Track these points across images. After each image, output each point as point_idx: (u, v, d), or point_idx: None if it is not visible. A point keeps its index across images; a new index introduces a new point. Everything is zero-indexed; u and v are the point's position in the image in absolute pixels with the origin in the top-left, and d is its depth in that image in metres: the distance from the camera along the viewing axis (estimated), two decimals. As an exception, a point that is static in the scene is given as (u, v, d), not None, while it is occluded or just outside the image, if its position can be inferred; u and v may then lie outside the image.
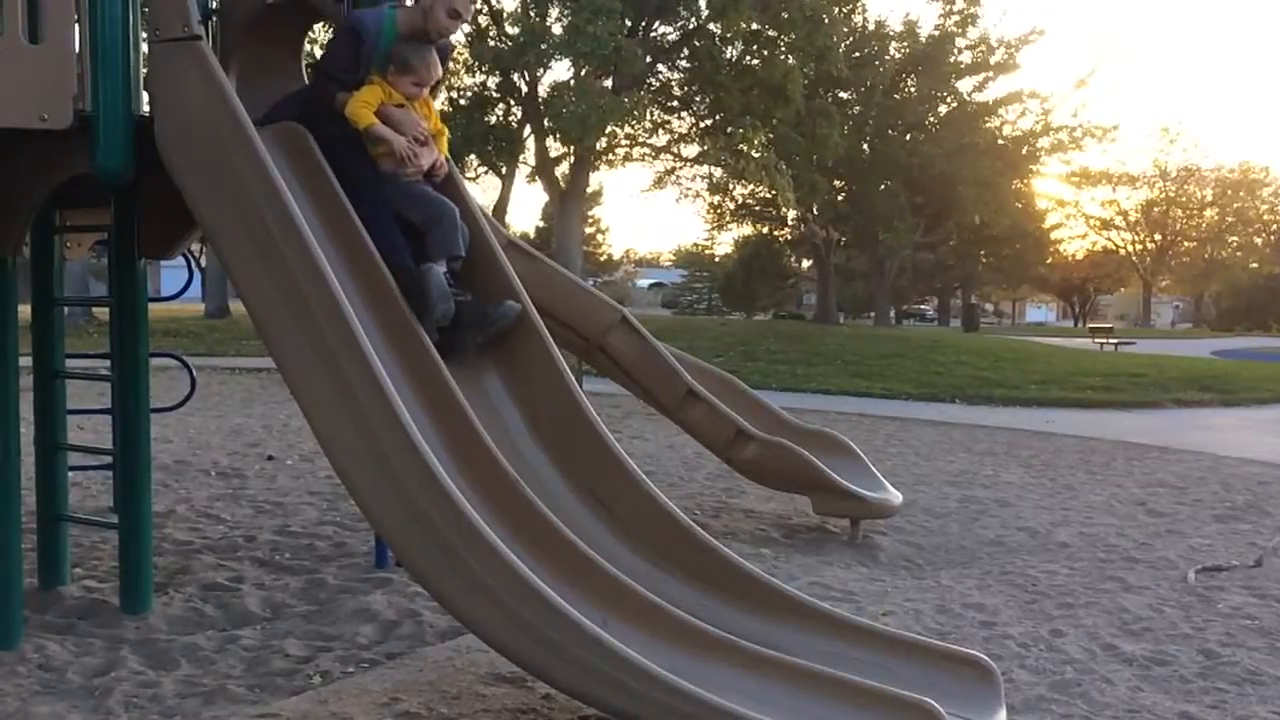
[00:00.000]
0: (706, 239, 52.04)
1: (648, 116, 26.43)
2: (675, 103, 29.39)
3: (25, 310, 4.51)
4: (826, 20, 25.45)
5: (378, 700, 3.59)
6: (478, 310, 3.90)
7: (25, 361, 4.27)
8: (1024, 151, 35.37)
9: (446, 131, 4.33)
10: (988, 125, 34.59)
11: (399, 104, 4.06)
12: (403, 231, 3.94)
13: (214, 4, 4.66)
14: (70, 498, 5.28)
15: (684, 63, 28.10)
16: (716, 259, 58.83)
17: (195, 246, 6.08)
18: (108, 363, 4.76)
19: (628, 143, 28.84)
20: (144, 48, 3.76)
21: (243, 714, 3.48)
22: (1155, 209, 59.57)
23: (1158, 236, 60.71)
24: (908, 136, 34.13)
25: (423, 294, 3.77)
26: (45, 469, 4.78)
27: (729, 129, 26.07)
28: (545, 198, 28.72)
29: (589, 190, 35.92)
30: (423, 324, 3.72)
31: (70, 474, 5.30)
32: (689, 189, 35.93)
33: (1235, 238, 62.08)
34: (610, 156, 28.84)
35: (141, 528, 4.47)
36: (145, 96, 3.90)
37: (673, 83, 28.98)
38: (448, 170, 4.23)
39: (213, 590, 4.84)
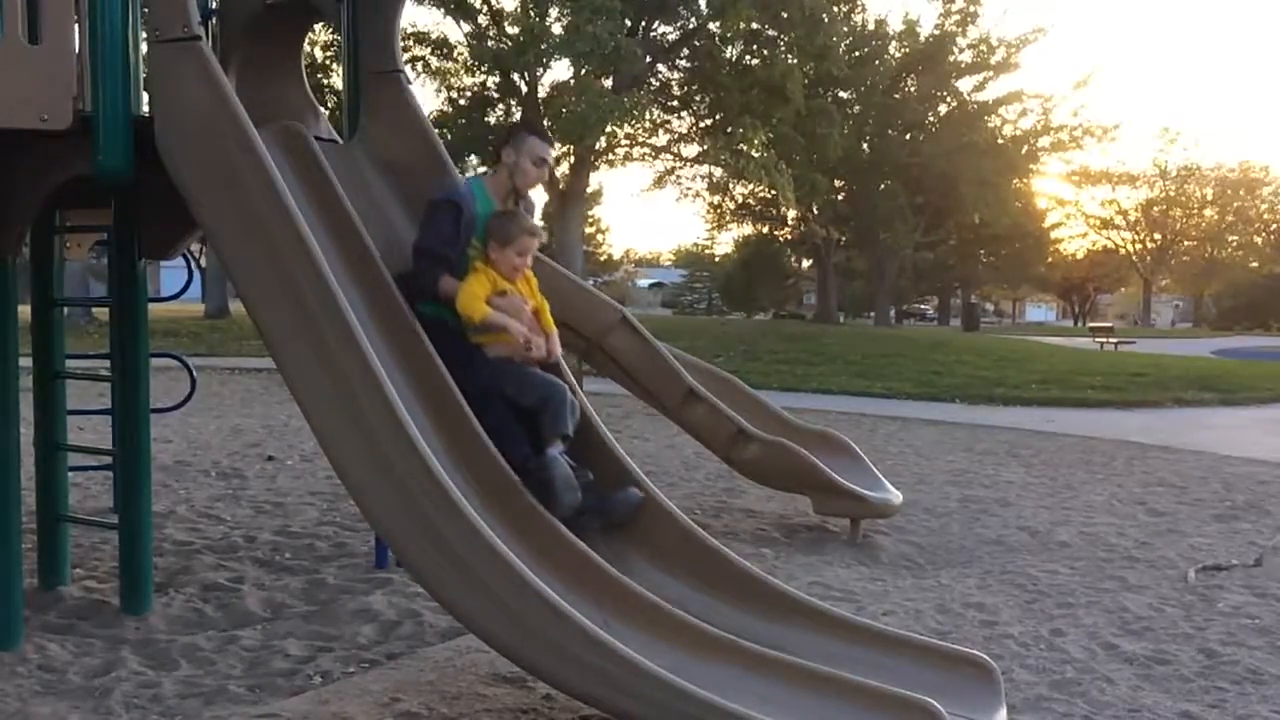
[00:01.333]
0: (707, 239, 52.27)
1: (647, 116, 26.44)
2: (675, 102, 29.41)
3: (25, 311, 4.51)
4: (826, 20, 25.47)
5: (378, 700, 3.59)
6: (599, 496, 3.74)
7: (25, 362, 4.27)
8: (1024, 151, 35.35)
9: (547, 305, 4.12)
10: (988, 125, 34.57)
11: (502, 290, 3.87)
12: (513, 414, 3.75)
13: (214, 4, 4.66)
14: (70, 498, 5.28)
15: (684, 62, 28.14)
16: (717, 259, 58.90)
17: (195, 247, 6.08)
18: (108, 363, 4.76)
19: (628, 142, 28.84)
20: (144, 48, 3.77)
21: (243, 714, 3.48)
22: (1155, 208, 59.57)
23: (1158, 236, 60.71)
24: (908, 136, 34.13)
25: (548, 487, 3.59)
26: (45, 469, 4.79)
27: (729, 128, 26.09)
28: (545, 197, 28.85)
29: (589, 190, 35.89)
30: (549, 512, 3.54)
31: (70, 474, 5.30)
32: (689, 189, 35.96)
33: (1235, 237, 62.10)
34: (610, 156, 28.84)
35: (142, 528, 4.47)
36: (145, 97, 3.90)
37: (672, 82, 29.01)
38: (559, 353, 4.01)
39: (213, 590, 4.84)
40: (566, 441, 3.75)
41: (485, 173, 4.04)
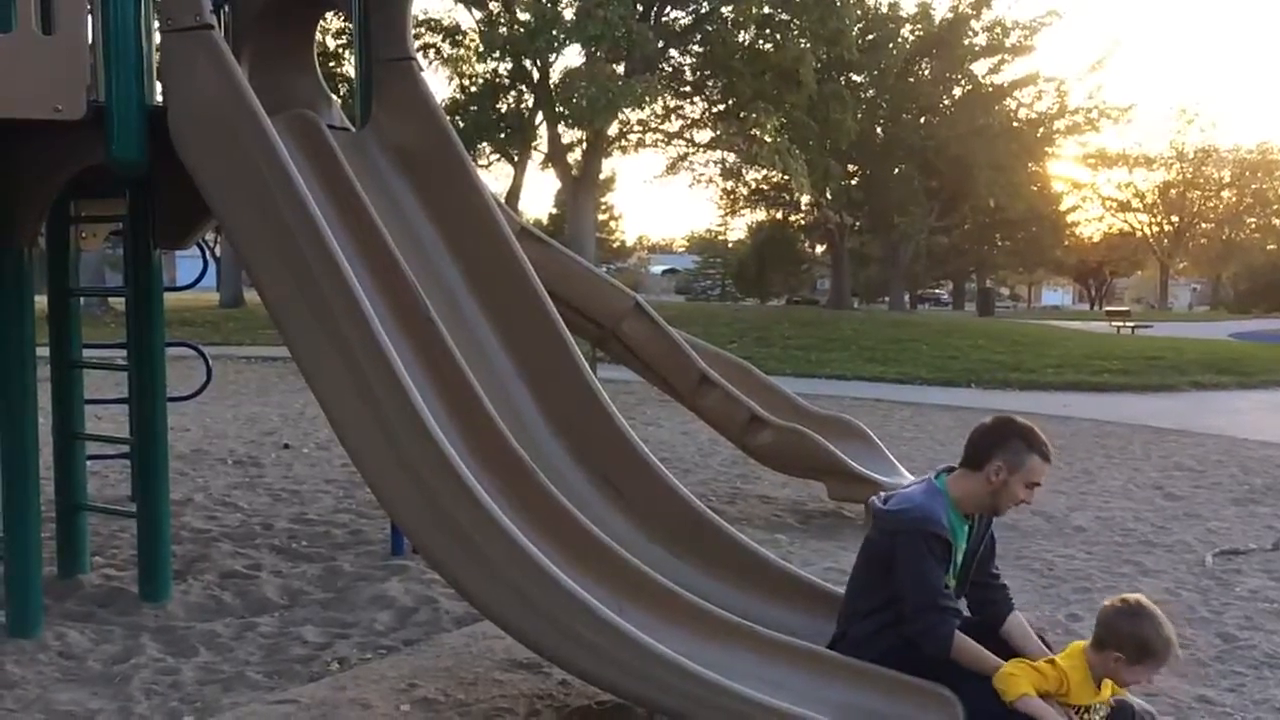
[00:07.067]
0: (720, 225, 51.96)
1: (660, 102, 26.35)
2: (687, 88, 29.32)
3: (42, 301, 4.54)
4: (839, 3, 25.31)
5: (395, 686, 3.61)
6: None
7: (43, 352, 4.30)
8: (1039, 134, 35.11)
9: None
10: (1003, 108, 34.34)
11: (1062, 699, 2.97)
12: None
13: (225, -7, 4.66)
14: (89, 487, 5.32)
15: (696, 47, 28.03)
16: (730, 245, 58.67)
17: (210, 236, 6.10)
18: (124, 352, 4.79)
19: (640, 129, 28.79)
20: (156, 37, 3.77)
21: (261, 700, 3.50)
22: (1172, 191, 59.03)
23: (1175, 218, 60.19)
24: (922, 120, 33.93)
25: None
26: (64, 458, 4.82)
27: (741, 114, 26.00)
28: (558, 184, 28.75)
29: (602, 177, 35.81)
30: None
31: (88, 463, 5.34)
32: (702, 175, 35.87)
33: (1253, 219, 61.50)
34: (623, 143, 28.82)
35: (160, 516, 4.50)
36: (158, 86, 3.91)
37: (685, 67, 28.91)
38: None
39: (231, 578, 4.87)
40: None
41: (946, 470, 3.24)
